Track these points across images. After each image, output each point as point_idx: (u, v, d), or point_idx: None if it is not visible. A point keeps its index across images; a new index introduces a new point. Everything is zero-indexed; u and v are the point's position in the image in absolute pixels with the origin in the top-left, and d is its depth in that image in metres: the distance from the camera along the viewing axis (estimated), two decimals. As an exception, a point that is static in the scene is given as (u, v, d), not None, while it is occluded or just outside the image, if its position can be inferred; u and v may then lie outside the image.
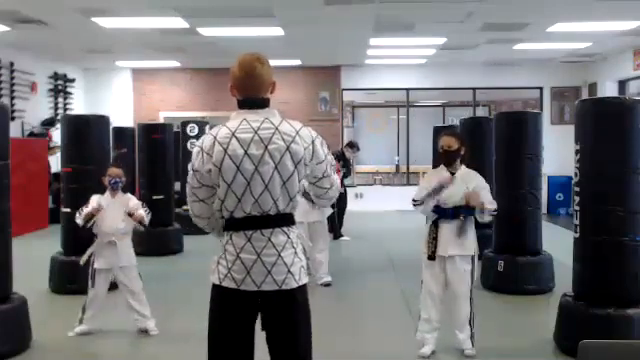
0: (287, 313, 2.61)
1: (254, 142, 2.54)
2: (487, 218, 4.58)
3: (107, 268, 5.10)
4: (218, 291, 2.62)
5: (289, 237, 2.61)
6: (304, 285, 2.64)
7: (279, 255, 2.57)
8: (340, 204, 9.81)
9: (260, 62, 2.63)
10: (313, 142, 2.63)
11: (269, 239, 2.57)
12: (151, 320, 5.19)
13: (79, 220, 5.02)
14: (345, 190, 10.59)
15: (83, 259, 5.13)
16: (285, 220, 2.61)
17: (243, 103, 2.64)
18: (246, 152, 2.54)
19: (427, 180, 4.62)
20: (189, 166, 2.67)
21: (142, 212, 5.12)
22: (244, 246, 2.57)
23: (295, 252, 2.62)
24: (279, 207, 2.57)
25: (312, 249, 6.92)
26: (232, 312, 2.61)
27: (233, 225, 2.61)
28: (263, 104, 2.64)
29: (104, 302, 5.21)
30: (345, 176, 10.08)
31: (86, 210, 5.01)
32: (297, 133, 2.59)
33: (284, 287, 2.57)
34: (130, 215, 5.06)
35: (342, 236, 10.11)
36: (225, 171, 2.55)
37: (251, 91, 2.63)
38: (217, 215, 2.68)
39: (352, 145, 10.87)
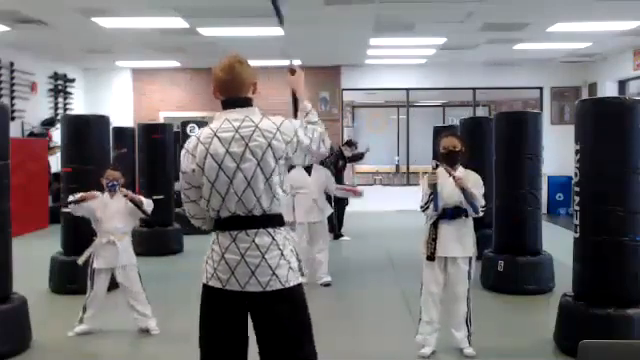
0: (272, 315, 2.59)
1: (235, 140, 2.57)
2: (476, 209, 4.53)
3: (106, 268, 5.11)
4: (206, 290, 2.65)
5: (274, 239, 2.60)
6: (293, 287, 2.61)
7: (263, 257, 2.56)
8: (340, 204, 9.77)
9: (240, 62, 2.68)
10: (296, 133, 2.65)
11: (253, 240, 2.57)
12: (152, 319, 5.19)
13: (70, 197, 5.07)
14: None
15: (81, 259, 5.13)
16: (271, 221, 2.61)
17: (225, 103, 2.68)
18: (227, 150, 2.57)
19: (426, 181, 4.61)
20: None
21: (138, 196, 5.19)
22: (229, 246, 2.58)
23: (281, 254, 2.60)
24: (263, 206, 2.58)
25: (312, 249, 6.93)
26: (219, 311, 2.62)
27: (219, 225, 2.63)
28: (244, 103, 2.67)
29: (104, 302, 5.21)
30: (341, 170, 10.02)
31: (82, 194, 5.06)
32: (278, 129, 2.61)
33: (268, 289, 2.56)
34: (126, 197, 5.09)
35: (342, 236, 10.09)
36: (208, 170, 2.58)
37: (232, 91, 2.67)
38: (207, 216, 2.70)
39: (350, 144, 10.86)
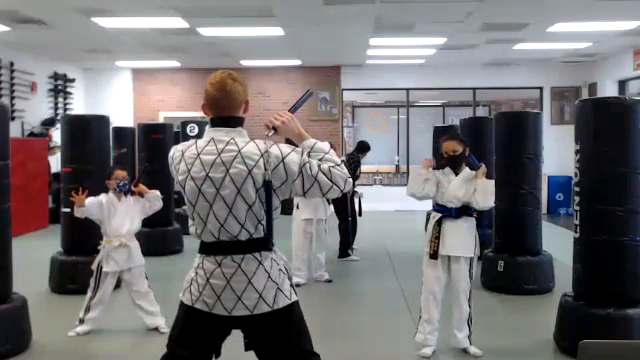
0: (263, 336, 2.56)
1: (216, 164, 2.47)
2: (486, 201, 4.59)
3: (115, 270, 5.11)
4: (190, 312, 2.60)
5: (261, 263, 2.52)
6: (282, 308, 2.54)
7: (249, 281, 2.49)
8: (351, 221, 8.57)
9: (232, 79, 2.55)
10: (283, 161, 2.45)
11: (239, 265, 2.50)
12: (161, 318, 5.14)
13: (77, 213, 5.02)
14: (352, 203, 8.73)
15: (95, 264, 5.11)
16: (257, 245, 2.51)
17: (213, 122, 2.57)
18: (207, 174, 2.48)
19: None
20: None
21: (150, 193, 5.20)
22: (214, 271, 2.52)
23: (269, 276, 2.52)
24: (250, 231, 2.49)
25: (313, 247, 6.95)
26: (202, 332, 2.59)
27: (204, 249, 2.57)
28: (233, 123, 2.54)
29: (107, 303, 5.21)
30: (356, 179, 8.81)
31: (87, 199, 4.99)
32: (261, 156, 2.45)
33: (256, 312, 2.51)
34: (139, 193, 5.14)
35: (349, 255, 8.51)
36: (188, 192, 2.53)
37: (222, 110, 2.54)
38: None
39: (366, 148, 9.23)
